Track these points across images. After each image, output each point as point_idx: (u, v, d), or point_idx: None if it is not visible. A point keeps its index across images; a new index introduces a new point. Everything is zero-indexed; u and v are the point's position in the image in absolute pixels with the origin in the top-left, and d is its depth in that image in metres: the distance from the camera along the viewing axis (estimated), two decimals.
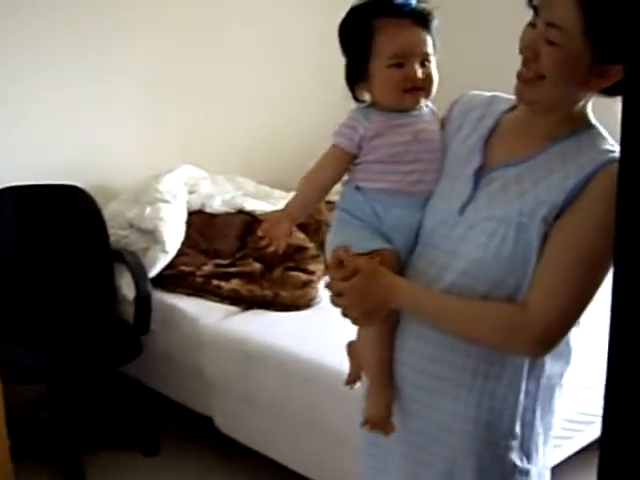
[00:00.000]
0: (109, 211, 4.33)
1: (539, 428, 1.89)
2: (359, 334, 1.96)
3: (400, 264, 1.88)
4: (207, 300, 4.07)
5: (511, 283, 1.74)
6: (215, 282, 4.10)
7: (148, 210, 4.23)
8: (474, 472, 1.86)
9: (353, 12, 1.91)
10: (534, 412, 1.87)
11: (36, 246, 4.09)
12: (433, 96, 1.92)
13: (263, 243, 1.95)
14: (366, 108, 1.92)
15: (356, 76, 1.91)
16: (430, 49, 1.87)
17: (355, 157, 1.90)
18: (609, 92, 1.72)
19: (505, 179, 1.81)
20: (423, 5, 1.87)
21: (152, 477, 3.89)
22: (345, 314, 1.86)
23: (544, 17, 1.69)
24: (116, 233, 4.28)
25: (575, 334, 1.86)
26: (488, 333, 1.78)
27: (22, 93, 4.22)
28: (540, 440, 1.91)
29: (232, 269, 4.22)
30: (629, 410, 1.22)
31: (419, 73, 1.85)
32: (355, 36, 1.88)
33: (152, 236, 4.18)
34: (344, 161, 1.91)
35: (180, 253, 4.25)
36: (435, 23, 1.88)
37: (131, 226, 4.29)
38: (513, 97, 1.84)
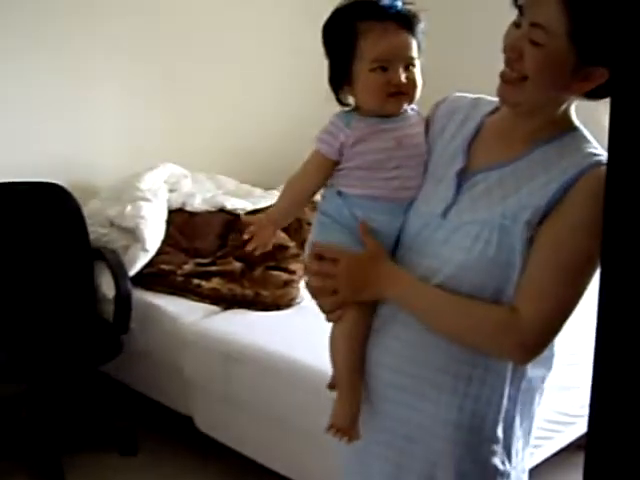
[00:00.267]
0: (89, 209, 4.31)
1: (519, 432, 1.89)
2: (331, 337, 1.95)
3: None
4: (187, 299, 4.06)
5: (493, 287, 1.73)
6: (195, 281, 4.09)
7: (129, 208, 4.21)
8: (455, 475, 1.84)
9: (337, 14, 1.88)
10: (515, 416, 1.86)
11: (16, 243, 4.06)
12: (418, 98, 1.90)
13: (249, 247, 1.96)
14: (348, 113, 1.90)
15: (339, 79, 1.89)
16: (415, 53, 1.85)
17: (337, 163, 1.88)
18: (592, 95, 1.71)
19: (488, 182, 1.80)
20: (409, 7, 1.85)
21: (131, 477, 3.86)
22: (320, 300, 1.89)
23: (529, 17, 1.67)
24: (96, 231, 4.26)
25: (559, 339, 1.86)
26: (476, 333, 1.77)
27: (2, 90, 4.19)
28: (520, 444, 1.90)
29: (213, 268, 4.21)
30: (615, 410, 1.22)
31: (403, 78, 1.83)
32: (339, 39, 1.86)
33: (132, 234, 4.17)
34: (326, 167, 1.89)
35: (160, 252, 4.24)
36: (421, 26, 1.86)
37: (111, 224, 4.28)
38: (497, 99, 1.82)
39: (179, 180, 4.68)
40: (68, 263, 4.15)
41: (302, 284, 3.89)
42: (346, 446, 1.95)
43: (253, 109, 5.25)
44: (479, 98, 1.98)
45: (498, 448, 1.84)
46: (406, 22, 1.84)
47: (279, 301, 3.95)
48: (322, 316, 1.94)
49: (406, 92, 1.85)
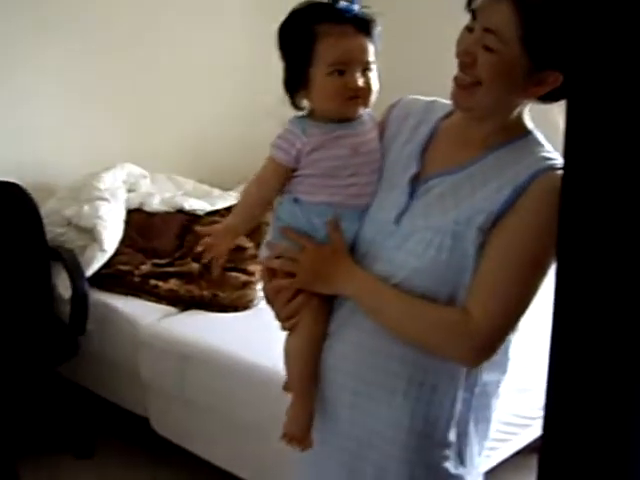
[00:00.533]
0: (46, 208, 4.27)
1: (474, 437, 1.88)
2: (285, 346, 1.94)
3: None
4: (144, 300, 4.04)
5: (447, 292, 1.73)
6: (153, 282, 4.07)
7: (86, 208, 4.18)
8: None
9: (294, 16, 1.86)
10: (469, 420, 1.86)
11: None
12: (373, 103, 1.89)
13: (204, 260, 1.94)
14: (303, 119, 1.88)
15: (295, 83, 1.87)
16: (372, 57, 1.84)
17: (293, 170, 1.87)
18: (546, 98, 1.72)
19: (442, 188, 1.79)
20: (366, 11, 1.84)
21: (87, 479, 3.84)
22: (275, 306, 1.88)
23: (482, 22, 1.68)
24: (53, 231, 4.22)
25: (514, 343, 1.86)
26: (427, 333, 1.76)
27: None
28: (475, 449, 1.90)
29: (170, 269, 4.19)
30: (569, 413, 1.22)
31: (360, 82, 1.81)
32: (295, 41, 1.84)
33: (90, 234, 4.14)
34: (282, 174, 1.87)
35: (118, 252, 4.21)
36: (378, 30, 1.85)
37: (69, 224, 4.24)
38: (451, 102, 1.82)
39: (138, 180, 4.66)
40: (24, 263, 4.10)
41: (260, 286, 3.89)
42: (307, 453, 1.95)
43: (212, 110, 5.23)
44: (433, 101, 1.97)
45: (451, 453, 1.84)
46: (364, 26, 1.82)
47: (237, 302, 3.94)
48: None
49: (363, 96, 1.84)
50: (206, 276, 4.11)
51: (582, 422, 1.21)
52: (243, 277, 4.05)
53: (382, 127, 1.96)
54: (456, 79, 1.74)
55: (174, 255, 4.30)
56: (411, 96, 2.02)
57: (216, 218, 4.25)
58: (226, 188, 4.83)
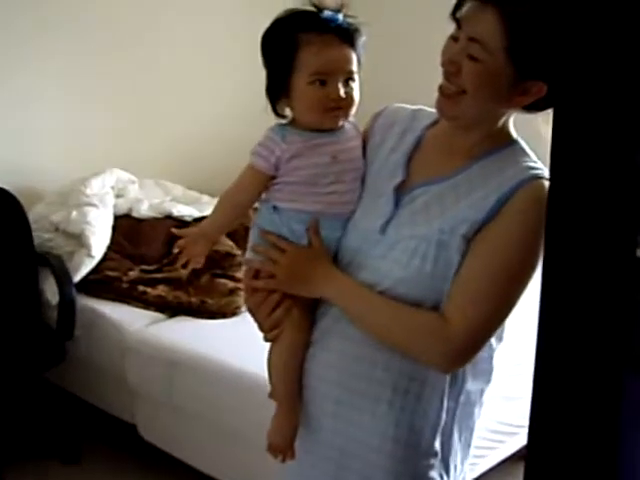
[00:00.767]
0: (34, 213, 4.26)
1: (458, 445, 1.88)
2: (268, 357, 1.94)
3: None
4: (132, 306, 4.03)
5: (432, 300, 1.73)
6: (141, 288, 4.06)
7: (74, 214, 4.17)
8: None
9: (277, 24, 1.86)
10: (453, 429, 1.86)
11: None
12: (354, 113, 1.88)
13: (181, 262, 1.93)
14: (283, 127, 1.87)
15: (277, 90, 1.86)
16: (355, 67, 1.83)
17: (273, 177, 1.86)
18: (531, 108, 1.73)
19: (427, 196, 1.79)
20: (350, 21, 1.83)
21: None
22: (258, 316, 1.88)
23: (467, 32, 1.68)
24: (41, 236, 4.21)
25: (498, 352, 1.87)
26: (403, 336, 1.76)
27: None
28: (459, 457, 1.90)
29: (158, 275, 4.18)
30: (554, 422, 1.23)
31: (341, 92, 1.80)
32: (278, 49, 1.83)
33: (78, 240, 4.13)
34: (261, 181, 1.86)
35: (106, 258, 4.20)
36: (362, 40, 1.84)
37: (56, 229, 4.23)
38: (436, 111, 1.82)
39: (126, 186, 4.65)
40: (12, 268, 4.09)
41: None
42: (292, 463, 1.95)
43: (201, 116, 5.24)
44: (419, 110, 1.97)
45: (436, 462, 1.84)
46: (347, 36, 1.82)
47: (224, 309, 3.94)
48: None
49: (344, 107, 1.83)
50: (194, 282, 4.11)
51: (567, 430, 1.22)
52: (231, 284, 4.05)
53: (367, 135, 1.96)
54: (441, 88, 1.74)
55: (162, 261, 4.29)
56: (396, 104, 2.02)
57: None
58: (215, 194, 4.82)
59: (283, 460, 1.93)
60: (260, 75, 1.88)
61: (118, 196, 4.55)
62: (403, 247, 1.76)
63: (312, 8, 1.83)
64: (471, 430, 1.92)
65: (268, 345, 1.94)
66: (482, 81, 1.67)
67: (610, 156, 1.11)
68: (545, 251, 1.22)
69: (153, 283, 4.11)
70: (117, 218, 4.40)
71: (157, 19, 4.96)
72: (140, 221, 4.49)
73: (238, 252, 4.20)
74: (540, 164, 1.74)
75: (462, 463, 1.92)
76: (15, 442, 4.04)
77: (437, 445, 1.83)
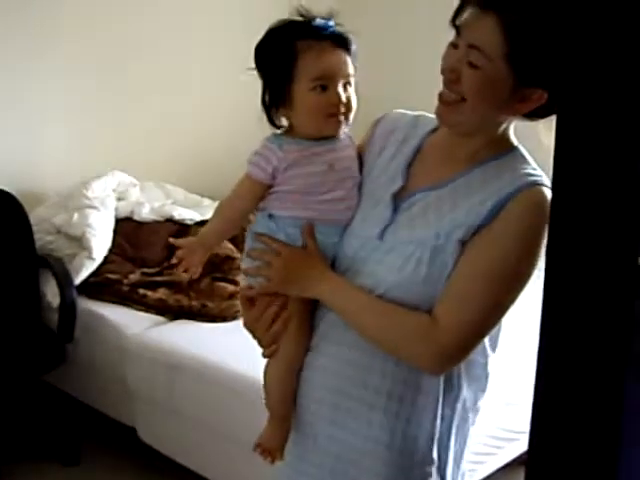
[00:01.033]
0: (35, 216, 4.27)
1: (454, 452, 1.87)
2: (265, 370, 1.94)
3: None
4: (133, 309, 4.04)
5: (428, 306, 1.72)
6: (141, 291, 4.07)
7: (76, 216, 4.18)
8: None
9: (272, 34, 1.85)
10: (450, 437, 1.85)
11: None
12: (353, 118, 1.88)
13: (179, 270, 1.93)
14: (280, 136, 1.87)
15: (275, 100, 1.85)
16: (352, 71, 1.84)
17: (270, 186, 1.85)
18: (531, 115, 1.73)
19: (426, 202, 1.79)
20: (341, 29, 1.84)
21: None
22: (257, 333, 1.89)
23: (466, 39, 1.67)
24: (42, 238, 4.21)
25: (493, 359, 1.86)
26: (392, 335, 1.75)
27: None
28: (455, 465, 1.89)
29: (159, 278, 4.19)
30: (556, 427, 1.23)
31: (343, 97, 1.81)
32: (276, 58, 1.82)
33: (79, 242, 4.13)
34: (259, 190, 1.86)
35: (107, 261, 4.21)
36: (354, 47, 1.84)
37: (58, 232, 4.24)
38: (436, 119, 1.82)
39: (127, 189, 4.66)
40: (13, 270, 4.10)
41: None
42: (281, 464, 1.95)
43: (203, 119, 5.24)
44: (419, 116, 1.96)
45: (432, 470, 1.83)
46: (342, 42, 1.83)
47: (225, 313, 3.94)
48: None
49: (345, 112, 1.83)
50: (195, 286, 4.11)
51: (568, 436, 1.22)
52: (231, 287, 4.05)
53: (367, 142, 1.96)
54: (441, 96, 1.73)
55: (163, 264, 4.30)
56: (397, 110, 2.02)
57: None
58: (216, 198, 4.82)
59: (272, 462, 1.93)
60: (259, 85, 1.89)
61: (119, 199, 4.56)
62: (399, 252, 1.76)
63: (302, 18, 1.83)
64: (465, 436, 1.91)
65: (263, 358, 1.95)
66: (482, 88, 1.66)
67: (613, 164, 1.11)
68: (547, 258, 1.22)
69: (154, 286, 4.11)
70: (118, 221, 4.41)
71: (159, 24, 4.96)
72: (141, 224, 4.50)
73: (238, 255, 4.20)
74: (540, 171, 1.73)
75: (458, 469, 1.91)
76: (15, 444, 4.04)
77: (433, 453, 1.82)
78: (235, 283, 4.08)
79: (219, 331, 3.84)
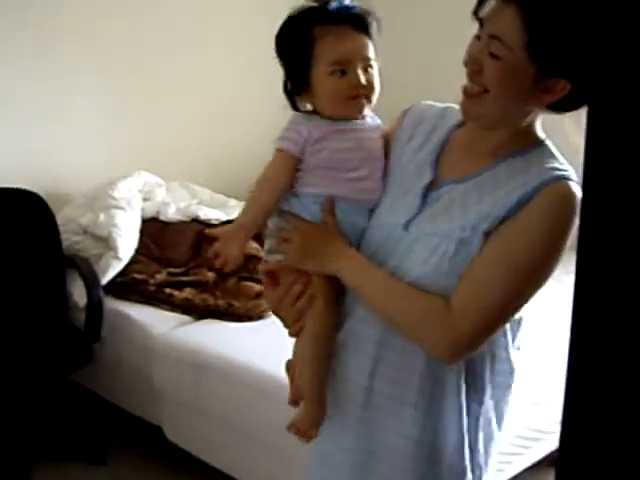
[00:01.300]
0: (62, 216, 4.29)
1: (483, 449, 1.87)
2: (293, 354, 1.94)
3: None
4: (159, 309, 4.05)
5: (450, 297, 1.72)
6: (168, 291, 4.08)
7: (102, 216, 4.20)
8: None
9: (290, 21, 1.87)
10: (478, 433, 1.85)
11: None
12: (375, 104, 1.89)
13: (218, 264, 1.88)
14: (308, 114, 1.89)
15: (297, 86, 1.87)
16: (372, 54, 1.84)
17: (299, 161, 1.85)
18: (556, 108, 1.71)
19: (452, 195, 1.79)
20: (361, 9, 1.84)
21: None
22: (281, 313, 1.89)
23: (487, 30, 1.67)
24: (69, 239, 4.24)
25: (516, 355, 1.86)
26: (406, 316, 1.75)
27: None
28: (484, 461, 1.89)
29: (185, 278, 4.20)
30: (588, 425, 1.22)
31: (362, 80, 1.82)
32: (295, 45, 1.84)
33: (105, 243, 4.15)
34: (292, 165, 1.85)
35: (133, 261, 4.22)
36: (374, 27, 1.85)
37: (84, 232, 4.26)
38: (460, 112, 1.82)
39: (153, 189, 4.68)
40: (40, 270, 4.12)
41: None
42: (314, 461, 1.95)
43: (229, 119, 5.25)
44: (447, 108, 1.96)
45: (461, 466, 1.83)
46: (361, 24, 1.83)
47: (251, 312, 3.94)
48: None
49: (366, 94, 1.84)
50: (221, 285, 4.12)
51: (601, 435, 1.21)
52: (257, 287, 4.04)
53: (395, 131, 1.96)
54: (464, 88, 1.73)
55: (189, 264, 4.31)
56: (425, 102, 2.02)
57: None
58: (242, 198, 4.83)
59: (307, 441, 1.93)
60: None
61: (145, 199, 4.57)
62: (424, 244, 1.76)
63: (317, 4, 1.85)
64: (497, 433, 1.90)
65: (290, 337, 1.95)
66: (503, 79, 1.66)
67: None
68: (578, 255, 1.21)
69: (180, 286, 4.12)
70: (144, 221, 4.43)
71: (185, 25, 4.97)
72: (167, 224, 4.51)
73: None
74: (567, 166, 1.72)
75: (486, 466, 1.91)
76: (42, 443, 4.06)
77: (463, 449, 1.82)
78: (261, 282, 4.07)
79: (245, 330, 3.84)
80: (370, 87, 1.84)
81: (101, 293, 3.95)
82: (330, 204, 1.84)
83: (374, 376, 1.83)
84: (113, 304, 4.06)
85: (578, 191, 1.66)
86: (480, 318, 1.69)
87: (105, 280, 4.08)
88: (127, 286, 4.15)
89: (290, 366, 2.00)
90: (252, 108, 5.27)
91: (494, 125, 1.77)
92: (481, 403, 1.84)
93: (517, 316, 1.80)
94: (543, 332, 3.26)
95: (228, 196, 4.97)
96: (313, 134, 1.84)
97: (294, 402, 1.96)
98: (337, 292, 1.88)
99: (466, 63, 1.72)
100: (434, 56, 5.31)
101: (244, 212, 1.91)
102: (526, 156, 1.75)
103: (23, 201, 4.15)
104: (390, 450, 1.83)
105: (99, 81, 4.65)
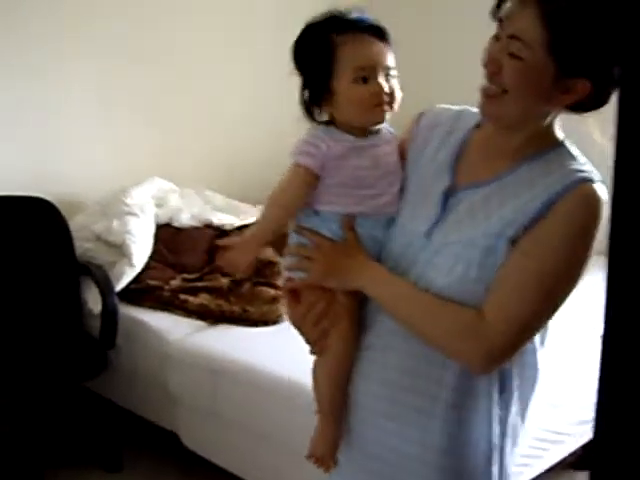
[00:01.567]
0: (75, 223, 4.29)
1: (510, 454, 1.85)
2: (313, 371, 1.91)
3: None
4: (174, 315, 4.04)
5: (478, 306, 1.69)
6: (182, 296, 4.07)
7: (115, 223, 4.20)
8: None
9: (310, 30, 1.84)
10: (505, 439, 1.83)
11: (0, 257, 4.03)
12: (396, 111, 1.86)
13: (228, 270, 1.91)
14: (326, 127, 1.85)
15: (316, 96, 1.84)
16: (392, 62, 1.82)
17: (317, 177, 1.82)
18: (576, 108, 1.69)
19: (472, 201, 1.77)
20: (377, 21, 1.82)
21: None
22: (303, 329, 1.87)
23: (507, 30, 1.65)
24: (82, 246, 4.23)
25: (543, 357, 1.84)
26: (437, 330, 1.72)
27: None
28: (510, 466, 1.87)
29: (200, 283, 4.19)
30: (622, 424, 1.20)
31: (386, 87, 1.79)
32: (315, 54, 1.81)
33: (119, 249, 4.15)
34: (310, 180, 1.82)
35: (147, 267, 4.22)
36: (392, 39, 1.83)
37: (98, 239, 4.26)
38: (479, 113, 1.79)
39: (166, 195, 4.68)
40: (54, 278, 4.12)
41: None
42: (334, 473, 1.93)
43: (242, 125, 5.25)
44: (463, 110, 1.94)
45: (489, 471, 1.81)
46: (380, 33, 1.81)
47: (266, 317, 3.93)
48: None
49: (388, 102, 1.82)
50: (235, 291, 4.11)
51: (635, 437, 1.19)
52: (272, 292, 4.04)
53: (410, 137, 1.94)
54: (483, 90, 1.71)
55: (203, 270, 4.31)
56: (440, 105, 2.00)
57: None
58: (255, 203, 4.82)
59: (325, 471, 1.91)
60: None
61: (158, 205, 4.57)
62: (448, 252, 1.73)
63: (337, 13, 1.82)
64: (516, 438, 1.87)
65: (311, 355, 1.93)
66: (523, 79, 1.64)
67: None
68: (609, 256, 1.19)
69: (194, 292, 4.11)
70: (158, 227, 4.43)
71: (196, 28, 4.97)
72: (181, 230, 4.51)
73: (279, 260, 4.19)
74: (589, 166, 1.70)
75: (511, 470, 1.89)
76: (58, 450, 4.06)
77: (490, 455, 1.80)
78: (276, 287, 4.07)
79: (261, 335, 3.84)
80: (392, 95, 1.82)
81: (116, 300, 3.95)
82: (350, 221, 1.82)
83: (398, 386, 1.80)
84: (127, 311, 4.05)
85: (602, 192, 1.64)
86: (513, 329, 1.67)
87: (119, 287, 4.07)
88: (141, 292, 4.14)
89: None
90: (265, 114, 5.28)
91: (514, 126, 1.74)
92: (508, 409, 1.82)
93: None
94: (562, 334, 3.25)
95: (241, 201, 4.95)
96: (332, 151, 1.81)
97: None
98: (360, 311, 1.86)
99: (485, 64, 1.70)
100: (449, 61, 5.31)
101: (258, 224, 1.90)
102: (546, 157, 1.73)
103: (36, 209, 4.15)
104: (415, 462, 1.81)
105: (111, 88, 4.65)
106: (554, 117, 1.75)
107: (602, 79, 1.61)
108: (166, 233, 4.46)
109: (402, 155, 1.90)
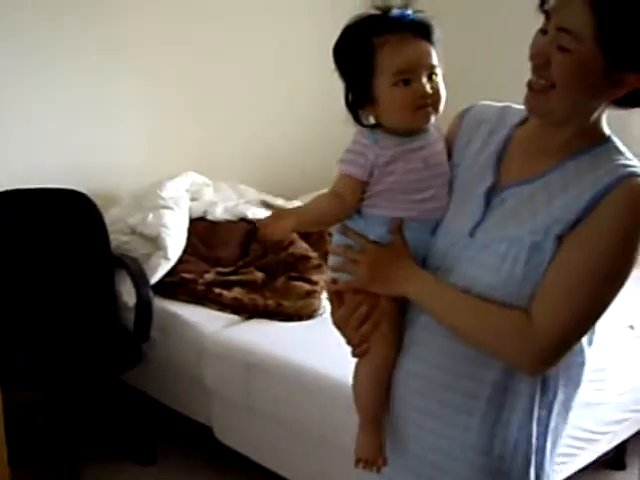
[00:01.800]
0: (110, 216, 4.31)
1: (550, 454, 1.83)
2: (355, 374, 1.89)
3: None
4: (208, 308, 4.04)
5: (525, 305, 1.66)
6: (217, 290, 4.07)
7: (150, 216, 4.21)
8: None
9: (349, 32, 1.79)
10: (546, 439, 1.80)
11: (36, 251, 4.06)
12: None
13: (263, 234, 1.85)
14: (372, 131, 1.81)
15: (360, 100, 1.80)
16: (435, 61, 1.77)
17: (366, 183, 1.79)
18: (622, 103, 1.66)
19: (518, 198, 1.73)
20: (421, 15, 1.77)
21: None
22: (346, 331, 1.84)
23: (555, 22, 1.61)
24: (117, 239, 4.25)
25: (589, 353, 1.81)
26: (488, 335, 1.70)
27: (25, 96, 4.20)
28: (550, 465, 1.84)
29: (234, 277, 4.19)
30: None
31: (428, 88, 1.75)
32: (355, 56, 1.77)
33: (154, 242, 4.16)
34: (359, 189, 1.79)
35: (181, 260, 4.23)
36: (437, 34, 1.78)
37: (133, 232, 4.27)
38: (525, 109, 1.75)
39: (201, 189, 4.68)
40: (89, 270, 4.14)
41: (324, 295, 3.86)
42: (366, 472, 1.91)
43: (276, 119, 5.25)
44: (506, 107, 1.91)
45: (529, 472, 1.79)
46: (422, 30, 1.76)
47: (301, 312, 3.92)
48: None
49: (432, 103, 1.77)
50: (269, 285, 4.10)
51: None
52: (307, 286, 4.03)
53: (453, 135, 1.91)
54: (530, 84, 1.67)
55: (237, 264, 4.30)
56: (483, 102, 1.97)
57: None
58: (289, 198, 4.82)
59: (377, 471, 1.88)
60: (336, 78, 1.84)
61: (193, 199, 4.58)
62: (493, 251, 1.70)
63: (378, 11, 1.78)
64: (557, 438, 1.85)
65: (346, 347, 1.91)
66: (572, 73, 1.60)
67: None
68: None
69: (229, 285, 4.11)
70: (192, 221, 4.44)
71: (234, 24, 4.97)
72: (215, 224, 4.51)
73: (313, 255, 4.20)
74: (636, 161, 1.67)
75: (548, 468, 1.86)
76: (92, 443, 4.08)
77: (531, 456, 1.78)
78: (311, 282, 4.06)
79: (296, 329, 3.83)
80: (436, 95, 1.77)
81: (150, 293, 3.96)
82: (398, 225, 1.79)
83: (438, 384, 1.78)
84: (162, 304, 4.05)
85: None
86: (562, 329, 1.64)
87: (154, 280, 4.08)
88: (176, 286, 4.14)
89: None
90: (300, 109, 5.27)
91: (561, 121, 1.70)
92: (551, 410, 1.79)
93: None
94: (598, 333, 3.21)
95: (275, 195, 4.95)
96: (381, 158, 1.77)
97: None
98: (403, 313, 1.85)
99: (532, 57, 1.66)
100: (494, 56, 5.26)
101: (303, 210, 1.90)
102: (592, 153, 1.69)
103: (71, 201, 4.17)
104: (454, 460, 1.79)
105: (147, 81, 4.66)
106: (601, 112, 1.71)
107: None
108: (200, 226, 4.46)
109: (447, 153, 1.87)
